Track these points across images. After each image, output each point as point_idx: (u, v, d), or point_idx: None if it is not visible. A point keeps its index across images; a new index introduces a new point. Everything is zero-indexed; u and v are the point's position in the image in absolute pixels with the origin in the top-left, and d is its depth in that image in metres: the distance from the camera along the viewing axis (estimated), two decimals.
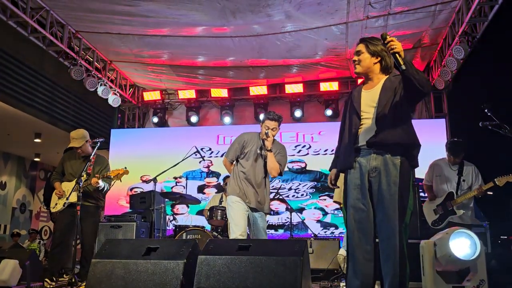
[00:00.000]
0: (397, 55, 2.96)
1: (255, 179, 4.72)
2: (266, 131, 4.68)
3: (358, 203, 3.14)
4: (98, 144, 5.43)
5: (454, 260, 3.79)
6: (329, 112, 9.75)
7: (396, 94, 3.15)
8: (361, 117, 3.24)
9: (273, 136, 4.75)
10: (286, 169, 5.00)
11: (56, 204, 5.46)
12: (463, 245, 3.78)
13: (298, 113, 9.92)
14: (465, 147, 5.56)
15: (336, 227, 8.94)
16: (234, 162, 4.91)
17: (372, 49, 3.27)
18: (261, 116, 5.07)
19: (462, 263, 3.83)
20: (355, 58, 3.30)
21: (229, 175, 5.04)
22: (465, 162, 5.60)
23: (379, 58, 3.27)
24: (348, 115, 3.36)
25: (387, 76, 3.29)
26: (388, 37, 2.97)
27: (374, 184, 3.11)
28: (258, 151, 4.79)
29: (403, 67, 2.95)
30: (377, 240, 3.09)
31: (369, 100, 3.24)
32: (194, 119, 10.42)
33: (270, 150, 4.70)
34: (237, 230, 4.52)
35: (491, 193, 5.42)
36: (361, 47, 3.30)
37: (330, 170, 3.58)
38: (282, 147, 4.93)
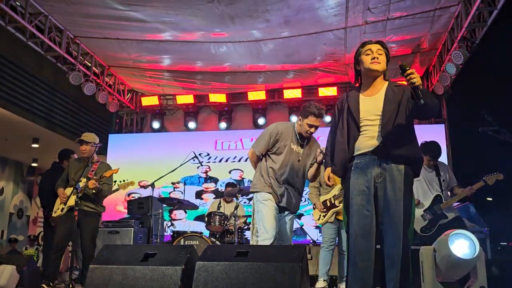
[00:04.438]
0: (417, 89, 2.89)
1: (287, 177, 4.25)
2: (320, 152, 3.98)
3: (362, 209, 3.08)
4: (96, 149, 5.43)
5: (454, 261, 3.79)
6: (327, 119, 9.73)
7: (400, 107, 3.12)
8: (361, 125, 3.17)
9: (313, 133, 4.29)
10: None
11: (57, 208, 5.45)
12: (462, 245, 3.81)
13: (295, 119, 9.89)
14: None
15: None
16: (261, 156, 4.39)
17: (389, 55, 3.25)
18: (301, 112, 4.32)
19: (462, 264, 3.84)
20: (376, 55, 3.17)
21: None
22: (438, 162, 5.54)
23: (387, 66, 3.25)
24: (344, 122, 3.26)
25: (386, 83, 3.25)
26: (407, 69, 2.88)
27: (379, 190, 3.08)
28: (294, 147, 4.29)
29: (422, 101, 2.89)
30: (377, 246, 3.06)
31: (371, 108, 3.16)
32: (192, 124, 10.42)
33: (321, 163, 4.06)
34: (271, 228, 4.07)
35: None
36: (381, 48, 3.21)
37: (325, 168, 3.47)
38: (318, 144, 4.42)
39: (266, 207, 4.17)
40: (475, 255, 3.75)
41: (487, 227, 6.95)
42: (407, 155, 3.11)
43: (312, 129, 4.25)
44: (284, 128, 4.34)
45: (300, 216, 9.11)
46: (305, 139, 4.37)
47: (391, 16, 7.02)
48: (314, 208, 5.75)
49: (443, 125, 9.38)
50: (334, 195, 5.54)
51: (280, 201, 4.23)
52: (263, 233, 4.08)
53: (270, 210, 4.15)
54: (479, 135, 4.61)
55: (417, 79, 2.86)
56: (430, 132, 9.13)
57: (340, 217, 5.48)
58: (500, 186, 5.29)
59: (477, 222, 7.28)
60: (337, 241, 5.59)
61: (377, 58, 3.16)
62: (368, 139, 3.13)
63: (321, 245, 5.66)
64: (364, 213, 3.08)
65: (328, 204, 5.59)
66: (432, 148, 5.49)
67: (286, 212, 4.35)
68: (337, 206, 5.50)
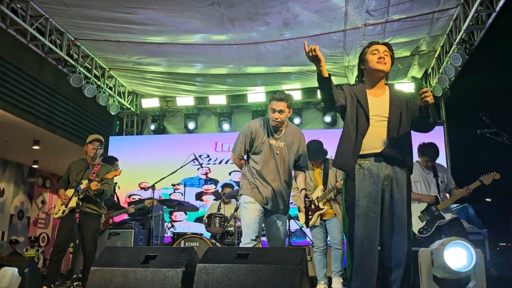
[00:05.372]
0: (429, 108, 2.98)
1: (271, 175, 4.14)
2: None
3: (369, 211, 3.08)
4: (96, 151, 5.45)
5: (450, 271, 3.80)
6: (327, 119, 9.76)
7: (402, 113, 3.16)
8: (369, 124, 3.15)
9: (281, 120, 4.11)
10: None
11: (58, 210, 5.47)
12: (458, 256, 3.79)
13: (296, 120, 9.92)
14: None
15: None
16: (244, 157, 4.30)
17: (393, 58, 3.26)
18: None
19: (457, 275, 3.84)
20: (382, 55, 3.16)
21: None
22: (436, 163, 5.53)
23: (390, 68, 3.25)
24: (354, 114, 3.18)
25: (388, 87, 3.28)
26: (423, 86, 2.97)
27: (386, 192, 3.11)
28: (272, 142, 4.16)
29: (431, 120, 3.03)
30: (379, 247, 3.09)
31: (378, 109, 3.17)
32: (192, 126, 10.45)
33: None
34: (250, 233, 3.99)
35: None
36: (388, 50, 3.21)
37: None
38: (301, 139, 4.30)
39: (247, 211, 4.10)
40: (471, 266, 3.75)
41: (486, 229, 6.98)
42: (408, 159, 3.19)
43: (276, 114, 4.08)
44: (257, 125, 4.22)
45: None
46: (278, 130, 4.22)
47: (390, 18, 7.04)
48: (299, 211, 5.58)
49: (441, 126, 9.38)
50: (318, 196, 5.39)
51: (266, 203, 4.12)
52: (244, 237, 4.04)
53: (251, 213, 4.06)
54: (477, 137, 4.62)
55: (430, 98, 2.93)
56: (428, 134, 9.13)
57: (326, 217, 5.41)
58: (498, 188, 5.30)
59: (476, 223, 7.30)
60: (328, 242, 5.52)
61: (384, 58, 3.17)
62: (374, 140, 3.14)
63: (314, 249, 5.57)
64: (371, 215, 3.08)
65: (312, 207, 5.40)
66: (430, 149, 5.46)
67: (277, 214, 4.22)
68: (322, 209, 5.36)
